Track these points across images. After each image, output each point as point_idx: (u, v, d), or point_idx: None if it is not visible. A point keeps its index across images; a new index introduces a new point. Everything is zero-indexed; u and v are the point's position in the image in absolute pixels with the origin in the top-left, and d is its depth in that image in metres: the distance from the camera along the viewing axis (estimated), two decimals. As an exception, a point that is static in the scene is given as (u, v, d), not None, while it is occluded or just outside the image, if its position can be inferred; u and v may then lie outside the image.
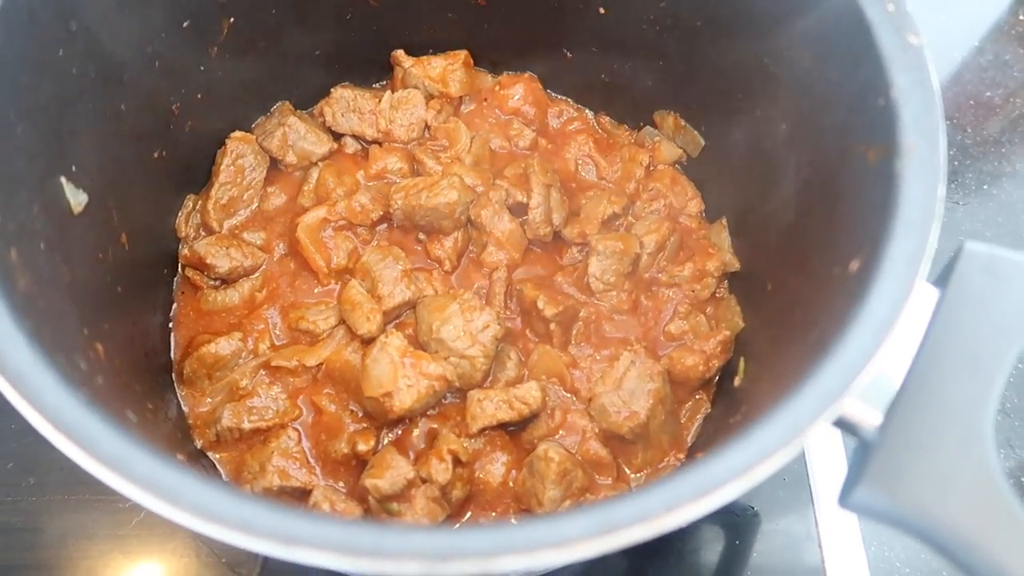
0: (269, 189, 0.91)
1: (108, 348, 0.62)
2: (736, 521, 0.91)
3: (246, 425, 0.78)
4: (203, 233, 0.88)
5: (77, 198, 0.64)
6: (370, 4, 0.90)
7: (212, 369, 0.81)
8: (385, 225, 0.90)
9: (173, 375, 0.82)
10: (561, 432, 0.80)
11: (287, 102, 0.95)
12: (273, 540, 0.40)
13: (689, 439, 0.82)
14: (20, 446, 0.86)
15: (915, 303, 0.49)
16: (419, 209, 0.85)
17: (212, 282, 0.86)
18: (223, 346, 0.81)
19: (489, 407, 0.77)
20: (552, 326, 0.82)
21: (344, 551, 0.40)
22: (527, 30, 0.94)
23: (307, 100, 0.96)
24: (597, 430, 0.79)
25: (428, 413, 0.79)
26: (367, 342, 0.80)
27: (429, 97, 0.96)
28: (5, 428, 0.86)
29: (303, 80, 0.94)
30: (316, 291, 0.87)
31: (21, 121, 0.57)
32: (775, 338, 0.70)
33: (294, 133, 0.91)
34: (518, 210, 0.88)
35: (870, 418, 0.50)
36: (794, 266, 0.71)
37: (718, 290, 0.88)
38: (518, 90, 0.98)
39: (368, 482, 0.72)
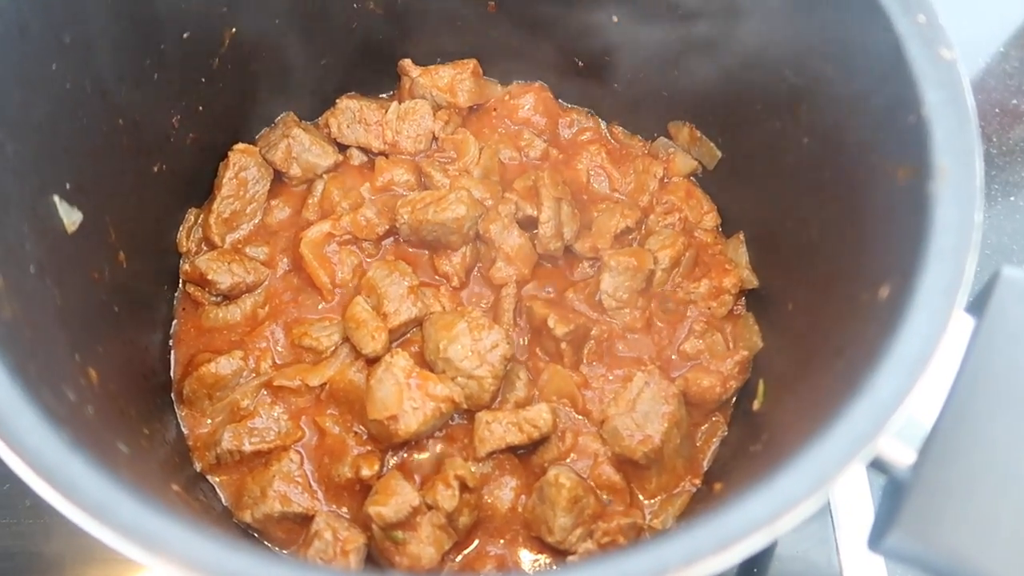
0: (273, 202, 0.89)
1: (102, 372, 0.59)
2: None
3: (247, 447, 0.76)
4: (205, 248, 0.86)
5: (71, 217, 0.62)
6: (376, 12, 0.88)
7: (212, 389, 0.78)
8: (391, 239, 0.87)
9: (172, 395, 0.80)
10: (572, 456, 0.77)
11: (291, 113, 0.92)
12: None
13: (705, 464, 0.79)
14: (17, 467, 0.84)
15: (950, 335, 0.46)
16: (426, 224, 0.83)
17: (214, 298, 0.84)
18: (224, 365, 0.79)
19: (498, 430, 0.74)
20: (563, 345, 0.79)
21: (340, 606, 0.37)
22: (538, 38, 0.91)
23: (312, 111, 0.94)
24: (610, 454, 0.76)
25: (435, 435, 0.76)
26: (372, 361, 0.77)
27: (437, 107, 0.93)
28: (2, 448, 0.84)
29: (308, 91, 0.92)
30: (320, 307, 0.84)
31: (12, 140, 0.55)
32: (798, 362, 0.67)
33: (298, 145, 0.89)
34: (528, 224, 0.86)
35: (903, 456, 0.47)
36: (817, 287, 0.68)
37: (735, 308, 0.85)
38: (528, 100, 0.95)
39: (372, 509, 0.69)
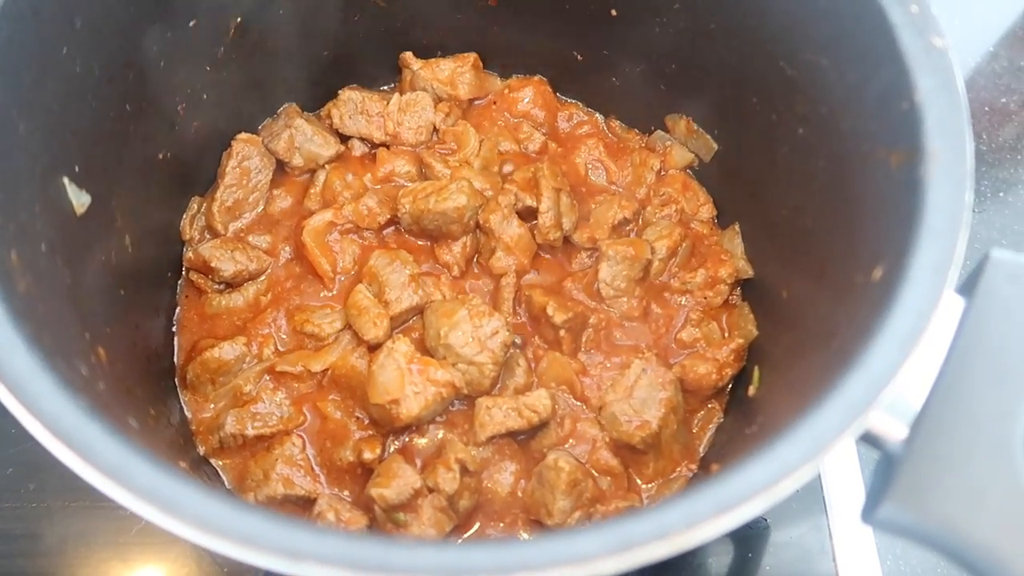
0: (275, 192, 0.90)
1: (110, 352, 0.60)
2: (746, 533, 0.89)
3: (250, 431, 0.77)
4: (208, 236, 0.87)
5: (80, 199, 0.63)
6: (379, 5, 0.89)
7: (216, 374, 0.79)
8: (392, 229, 0.88)
9: (176, 380, 0.81)
10: (571, 441, 0.78)
11: (294, 104, 0.93)
12: (278, 555, 0.39)
13: (701, 449, 0.81)
14: (20, 451, 0.85)
15: (941, 313, 0.47)
16: (427, 213, 0.84)
17: (216, 286, 0.85)
18: (227, 351, 0.79)
19: (498, 415, 0.75)
20: (562, 333, 0.81)
21: (350, 566, 0.38)
22: (537, 32, 0.92)
23: (314, 102, 0.95)
24: (608, 439, 0.77)
25: (436, 420, 0.77)
26: (373, 348, 0.78)
27: (438, 100, 0.94)
28: (5, 432, 0.85)
29: (310, 82, 0.93)
30: (322, 295, 0.85)
31: (23, 119, 0.55)
32: (791, 347, 0.69)
33: (301, 135, 0.90)
34: (527, 215, 0.87)
35: (895, 431, 0.48)
36: (811, 273, 0.69)
37: (731, 297, 0.87)
38: (528, 93, 0.97)
39: (374, 491, 0.70)
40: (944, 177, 0.50)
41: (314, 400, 0.79)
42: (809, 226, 0.71)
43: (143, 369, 0.72)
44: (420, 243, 0.88)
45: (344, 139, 0.93)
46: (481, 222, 0.85)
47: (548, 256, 0.88)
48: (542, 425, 0.77)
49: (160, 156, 0.79)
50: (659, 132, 0.95)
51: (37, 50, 0.57)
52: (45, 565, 0.81)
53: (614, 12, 0.85)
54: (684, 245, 0.87)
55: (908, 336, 0.45)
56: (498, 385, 0.79)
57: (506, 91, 0.98)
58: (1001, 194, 1.10)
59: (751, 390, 0.77)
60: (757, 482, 0.41)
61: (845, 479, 0.87)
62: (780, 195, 0.77)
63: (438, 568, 0.38)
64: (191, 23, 0.75)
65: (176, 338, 0.83)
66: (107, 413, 0.44)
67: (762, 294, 0.83)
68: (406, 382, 0.73)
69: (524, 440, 0.78)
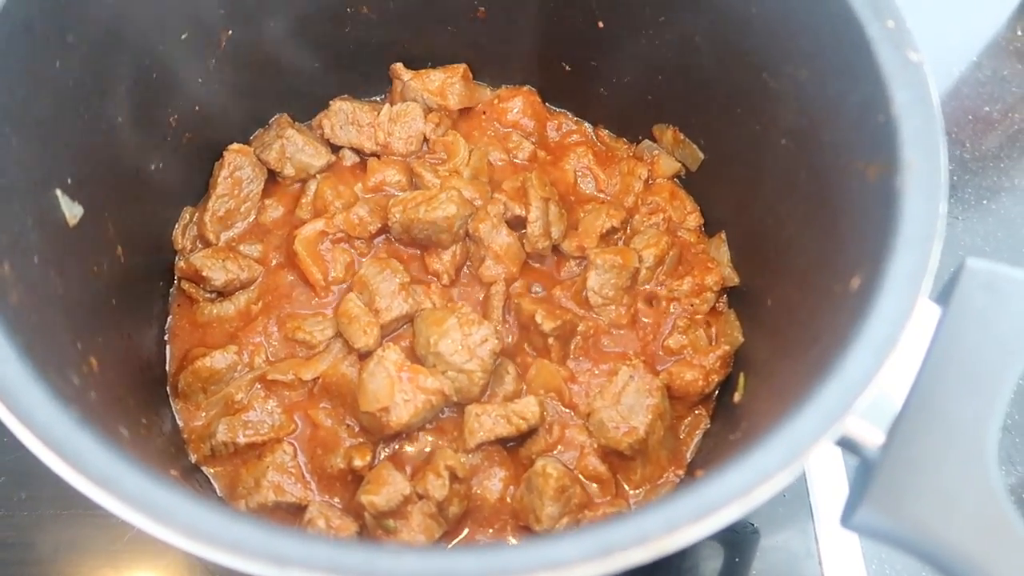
0: (267, 201, 0.91)
1: (102, 362, 0.61)
2: (735, 538, 0.90)
3: (241, 439, 0.77)
4: (200, 245, 0.88)
5: (72, 210, 0.64)
6: (369, 16, 0.90)
7: (207, 383, 0.80)
8: (383, 238, 0.89)
9: (168, 389, 0.81)
10: (559, 448, 0.79)
11: (285, 114, 0.94)
12: (265, 561, 0.39)
13: (688, 455, 0.82)
14: (12, 460, 0.85)
15: (917, 321, 0.49)
16: (417, 222, 0.85)
17: (208, 295, 0.86)
18: (218, 359, 0.80)
19: (487, 422, 0.76)
20: (550, 340, 0.82)
21: (336, 572, 0.39)
22: (525, 43, 0.94)
23: (306, 113, 0.96)
24: (595, 445, 0.78)
25: (425, 427, 0.78)
26: (364, 356, 0.79)
27: (428, 110, 0.96)
28: (-2, 441, 0.86)
29: (302, 93, 0.94)
30: (313, 303, 0.86)
31: (16, 133, 0.56)
32: (775, 354, 0.70)
33: (292, 145, 0.91)
34: (516, 224, 0.88)
35: (872, 437, 0.49)
36: (794, 282, 0.70)
37: (717, 304, 0.88)
38: (517, 103, 0.98)
39: (364, 498, 0.71)
40: (919, 188, 0.52)
41: (305, 408, 0.80)
42: (792, 235, 0.72)
43: (135, 378, 0.73)
44: (410, 252, 0.89)
45: (335, 149, 0.94)
46: (471, 231, 0.86)
47: (537, 264, 0.89)
48: (531, 432, 0.78)
49: (152, 167, 0.79)
50: (647, 141, 0.96)
51: (30, 65, 0.58)
52: (38, 573, 0.82)
53: (601, 24, 0.87)
54: (671, 253, 0.89)
55: (883, 343, 0.46)
56: (488, 392, 0.80)
57: (496, 101, 0.99)
58: (984, 202, 1.12)
59: (736, 396, 0.78)
60: (735, 488, 0.42)
61: (831, 485, 0.88)
62: (765, 205, 0.79)
63: (421, 573, 0.39)
64: (183, 36, 0.76)
65: (168, 347, 0.84)
66: (98, 422, 0.45)
67: (748, 302, 0.85)
68: (396, 390, 0.74)
69: (513, 447, 0.79)
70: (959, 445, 0.48)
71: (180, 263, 0.86)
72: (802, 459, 0.43)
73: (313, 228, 0.87)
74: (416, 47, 0.96)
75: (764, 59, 0.72)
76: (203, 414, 0.80)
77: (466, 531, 0.76)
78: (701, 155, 0.91)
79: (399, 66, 0.97)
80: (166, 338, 0.85)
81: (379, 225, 0.87)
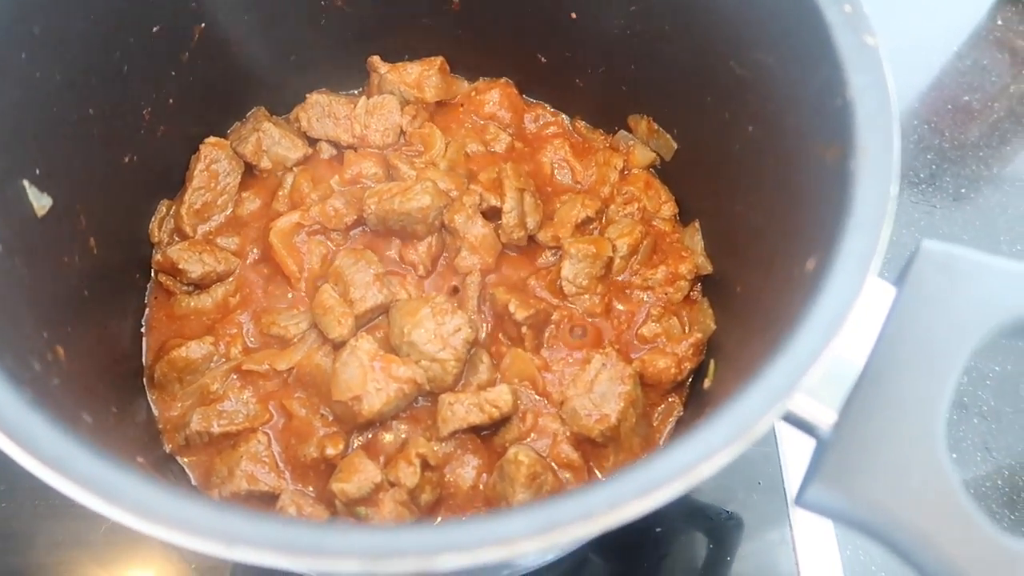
0: (244, 194, 0.91)
1: (69, 351, 0.61)
2: (713, 526, 0.90)
3: (215, 429, 0.78)
4: (176, 238, 0.88)
5: (40, 201, 0.64)
6: (343, 9, 0.90)
7: (183, 373, 0.81)
8: (359, 229, 0.90)
9: (144, 380, 0.82)
10: (532, 435, 0.80)
11: (262, 108, 0.95)
12: (213, 539, 0.40)
13: (661, 442, 0.82)
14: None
15: (869, 300, 0.49)
16: (392, 213, 0.85)
17: (185, 287, 0.86)
18: (194, 350, 0.81)
19: (460, 410, 0.77)
20: (524, 329, 0.82)
21: (283, 550, 0.39)
22: (501, 35, 0.94)
23: (282, 106, 0.96)
24: (568, 433, 0.78)
25: (399, 416, 0.79)
26: (338, 346, 0.80)
27: (404, 103, 0.96)
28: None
29: (278, 86, 0.94)
30: (289, 296, 0.86)
31: (-20, 124, 0.57)
32: (740, 340, 0.70)
33: (269, 138, 0.91)
34: (492, 215, 0.88)
35: (825, 417, 0.50)
36: (761, 268, 0.71)
37: (692, 293, 0.88)
38: (494, 95, 0.98)
39: (335, 486, 0.71)
40: (871, 170, 0.52)
41: (280, 398, 0.80)
42: (760, 222, 0.73)
43: (108, 368, 0.73)
44: (387, 243, 0.89)
45: (312, 142, 0.95)
46: (446, 222, 0.87)
47: (513, 254, 0.90)
48: (504, 420, 0.78)
49: (126, 160, 0.80)
50: (622, 132, 0.96)
51: (-6, 56, 0.59)
52: (15, 564, 0.82)
53: (573, 15, 0.87)
54: (646, 242, 0.89)
55: (831, 322, 0.47)
56: (462, 381, 0.81)
57: (473, 93, 0.99)
58: (963, 191, 1.12)
59: (706, 383, 0.78)
60: (679, 464, 0.42)
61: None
62: (735, 192, 0.79)
63: (367, 550, 0.39)
64: (154, 29, 0.76)
65: (145, 339, 0.85)
66: (55, 405, 0.46)
67: (720, 289, 0.85)
68: (368, 379, 0.75)
69: (487, 435, 0.79)
70: (909, 424, 0.48)
71: (157, 256, 0.87)
72: (747, 436, 0.43)
73: (288, 220, 0.87)
74: (393, 40, 0.96)
75: (731, 46, 0.72)
76: (179, 404, 0.80)
77: (439, 519, 0.77)
78: (675, 144, 0.91)
79: (376, 59, 0.97)
80: (143, 330, 0.85)
81: (355, 217, 0.88)
